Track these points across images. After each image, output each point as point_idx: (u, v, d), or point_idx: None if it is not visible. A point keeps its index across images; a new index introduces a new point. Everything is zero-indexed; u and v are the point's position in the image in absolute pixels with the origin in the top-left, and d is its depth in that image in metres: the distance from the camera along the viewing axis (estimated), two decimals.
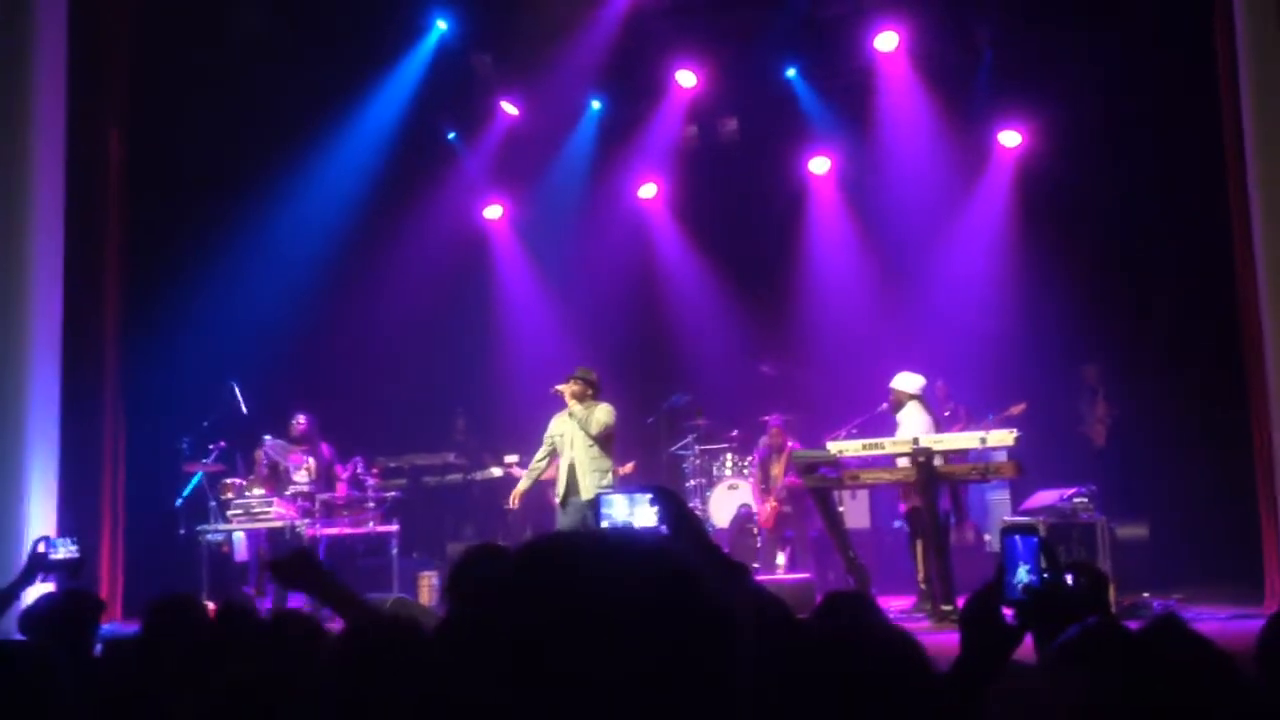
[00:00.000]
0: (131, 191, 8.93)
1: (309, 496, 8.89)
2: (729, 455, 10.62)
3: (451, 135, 11.81)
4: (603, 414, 7.93)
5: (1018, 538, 1.82)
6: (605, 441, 7.93)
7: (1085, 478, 8.45)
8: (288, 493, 8.88)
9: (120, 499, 8.67)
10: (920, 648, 1.59)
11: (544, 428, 10.32)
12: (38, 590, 4.59)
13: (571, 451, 7.93)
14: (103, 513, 8.45)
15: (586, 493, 7.78)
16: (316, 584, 2.71)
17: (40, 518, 7.45)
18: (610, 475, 7.98)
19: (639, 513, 4.97)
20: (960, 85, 10.75)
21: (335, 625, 2.72)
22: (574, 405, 7.94)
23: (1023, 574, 1.77)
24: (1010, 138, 10.84)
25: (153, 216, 9.23)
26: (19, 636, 3.37)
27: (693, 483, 10.67)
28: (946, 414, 9.19)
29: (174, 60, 9.33)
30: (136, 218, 8.99)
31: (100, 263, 8.60)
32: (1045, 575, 1.75)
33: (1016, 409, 9.10)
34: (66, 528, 7.32)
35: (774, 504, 9.40)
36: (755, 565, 9.44)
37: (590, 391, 8.00)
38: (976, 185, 10.95)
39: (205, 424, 9.02)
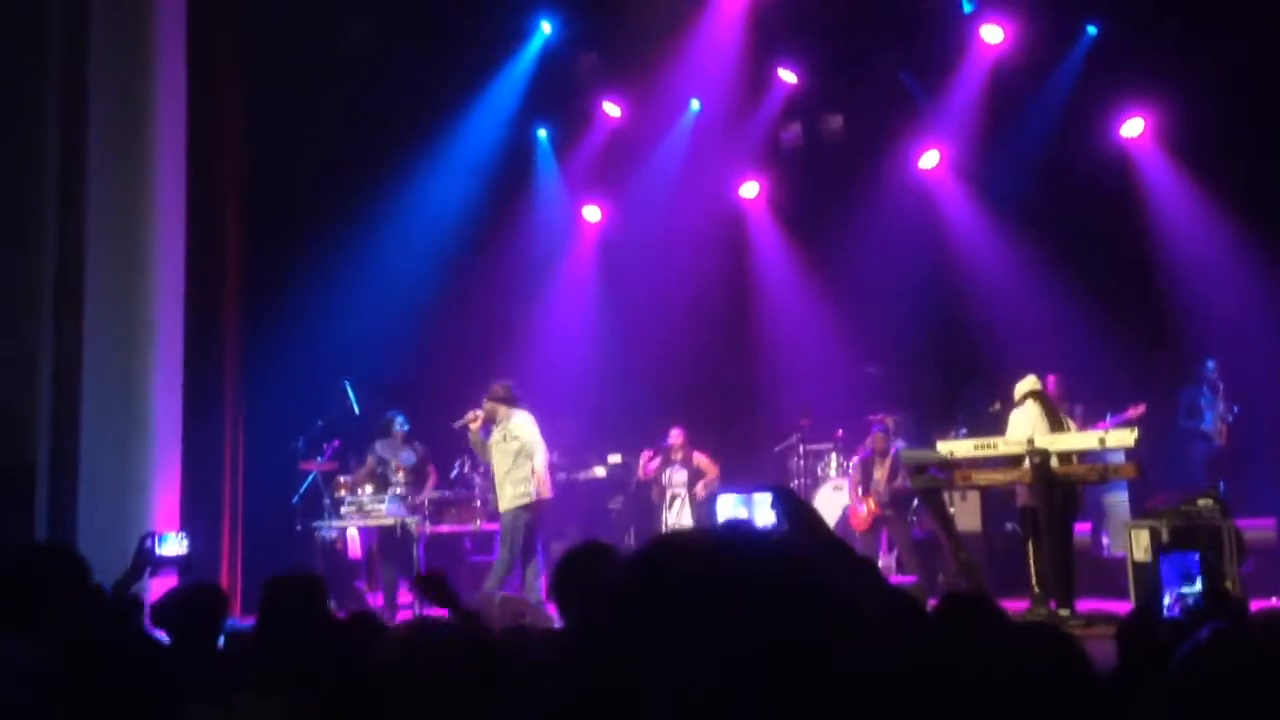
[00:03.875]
0: (249, 198, 9.21)
1: (410, 494, 9.06)
2: (834, 456, 10.49)
3: (542, 133, 11.89)
4: (517, 428, 7.98)
5: (1175, 556, 1.77)
6: (521, 453, 7.94)
7: (1206, 478, 8.14)
8: (396, 492, 9.04)
9: (239, 496, 8.94)
10: (1073, 647, 1.54)
11: (646, 427, 10.35)
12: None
13: (494, 463, 8.06)
14: (223, 509, 8.73)
15: (502, 504, 7.90)
16: (447, 602, 2.90)
17: (164, 515, 7.74)
18: (526, 485, 7.90)
19: (757, 513, 4.93)
20: (1069, 75, 10.46)
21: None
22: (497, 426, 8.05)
23: (1186, 590, 1.71)
24: (1133, 126, 10.52)
25: (269, 222, 9.50)
26: (152, 630, 3.49)
27: (796, 483, 10.57)
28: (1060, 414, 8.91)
29: (285, 70, 9.58)
30: (254, 223, 9.27)
31: (220, 267, 8.88)
32: (1206, 595, 1.70)
33: (1135, 410, 8.79)
34: (187, 524, 7.58)
35: (873, 507, 9.22)
36: None
37: (502, 406, 8.06)
38: (1091, 173, 10.60)
39: (320, 423, 9.25)
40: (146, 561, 4.49)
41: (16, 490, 7.21)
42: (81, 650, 2.57)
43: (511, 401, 8.11)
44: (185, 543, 4.85)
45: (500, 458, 7.97)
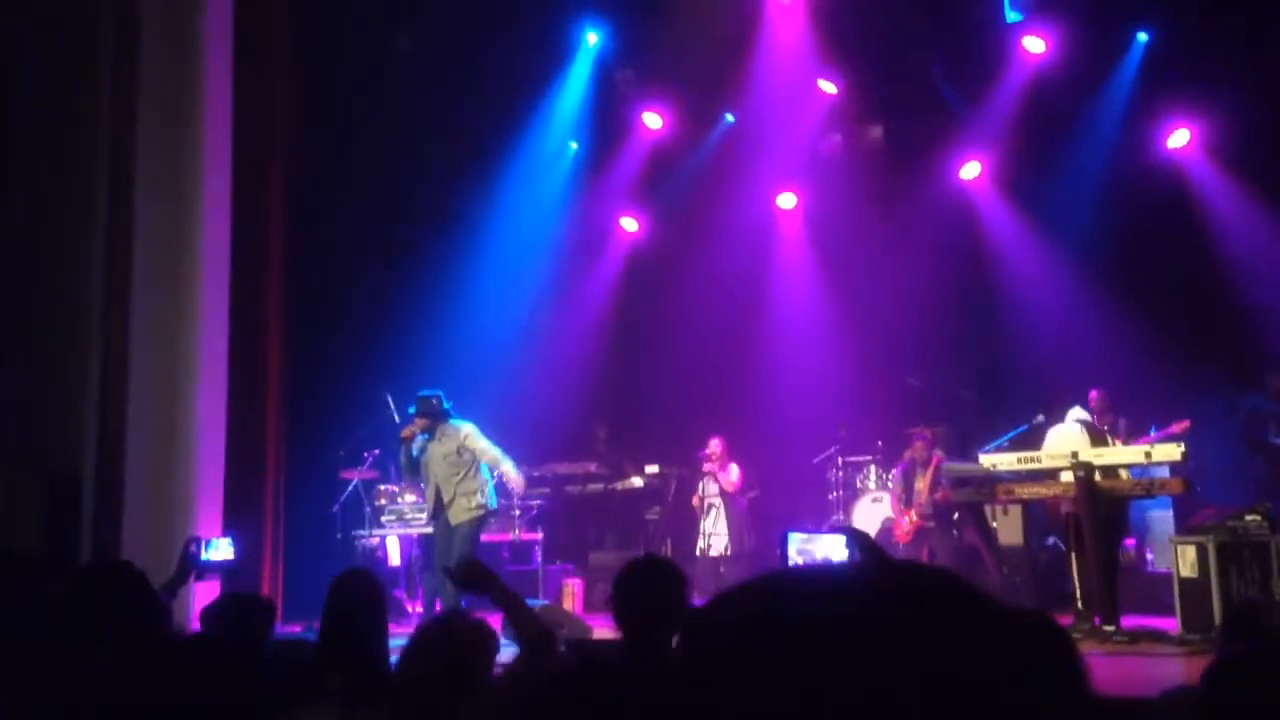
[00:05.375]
0: (294, 210, 9.31)
1: None
2: (872, 468, 10.43)
3: (573, 145, 11.96)
4: (470, 439, 7.77)
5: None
6: (474, 464, 7.75)
7: (1255, 494, 7.98)
8: None
9: (281, 504, 9.03)
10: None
11: (684, 439, 10.31)
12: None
13: (436, 476, 7.76)
14: (265, 517, 8.82)
15: (456, 516, 7.64)
16: (491, 588, 2.88)
17: (207, 522, 7.83)
18: (481, 495, 7.75)
19: (828, 550, 4.89)
20: (1117, 83, 10.37)
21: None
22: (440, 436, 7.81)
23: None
24: (1179, 137, 10.40)
25: (314, 234, 9.62)
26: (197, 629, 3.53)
27: (834, 495, 10.52)
28: (1105, 428, 8.79)
29: (330, 82, 9.70)
30: (298, 235, 9.38)
31: (264, 278, 8.98)
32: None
33: (1179, 426, 8.64)
34: (231, 531, 7.67)
35: (915, 518, 9.15)
36: None
37: (439, 419, 7.81)
38: (1137, 183, 10.47)
39: (361, 433, 9.33)
40: (191, 566, 4.54)
41: (64, 497, 7.33)
42: (153, 662, 2.61)
43: (447, 414, 7.86)
44: (232, 549, 4.90)
45: (447, 470, 7.69)
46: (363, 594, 3.29)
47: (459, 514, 7.64)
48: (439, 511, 7.76)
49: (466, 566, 3.14)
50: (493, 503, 7.86)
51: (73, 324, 7.69)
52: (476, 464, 7.77)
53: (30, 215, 7.57)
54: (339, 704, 2.65)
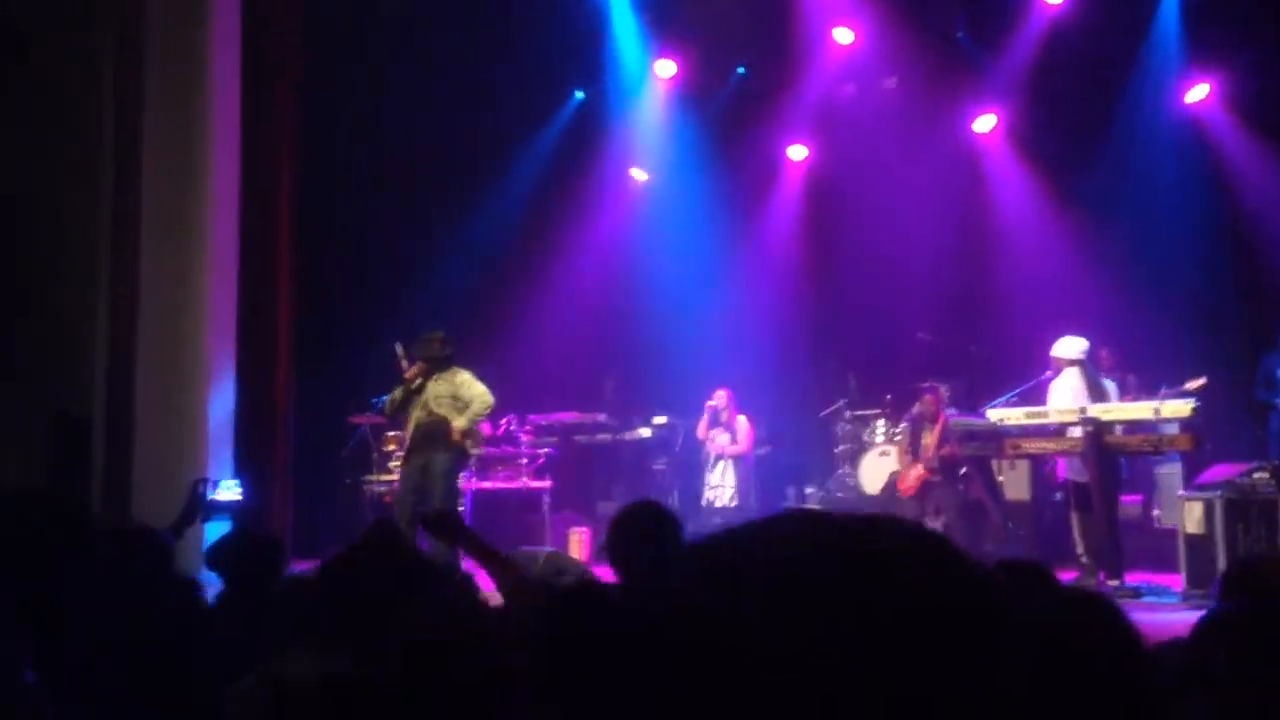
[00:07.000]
0: (305, 153, 9.25)
1: None
2: (881, 421, 10.42)
3: (579, 95, 11.84)
4: (466, 385, 7.74)
5: None
6: (470, 409, 7.71)
7: (1265, 454, 7.96)
8: None
9: (290, 448, 9.07)
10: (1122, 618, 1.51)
11: (692, 390, 10.31)
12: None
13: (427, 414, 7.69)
14: (274, 461, 8.86)
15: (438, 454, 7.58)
16: (462, 539, 2.87)
17: (217, 464, 7.87)
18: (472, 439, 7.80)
19: None
20: (1140, 39, 10.20)
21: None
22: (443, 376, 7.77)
23: None
24: (1197, 91, 10.24)
25: (325, 177, 9.57)
26: (207, 571, 3.55)
27: (842, 448, 10.53)
28: (1114, 384, 8.75)
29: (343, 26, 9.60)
30: (311, 177, 9.33)
31: (274, 220, 8.95)
32: None
33: (1195, 384, 8.57)
34: (240, 475, 7.71)
35: (922, 472, 9.15)
36: None
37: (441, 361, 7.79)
38: (1161, 139, 10.33)
39: (368, 379, 9.34)
40: (199, 507, 4.56)
41: (74, 439, 7.38)
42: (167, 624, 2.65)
43: (449, 360, 7.84)
44: (239, 489, 4.92)
45: (446, 413, 7.67)
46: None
47: (441, 451, 7.59)
48: (416, 449, 7.71)
49: (436, 515, 3.13)
50: (475, 449, 7.85)
51: (82, 267, 7.70)
52: (476, 409, 7.79)
53: (40, 150, 7.55)
54: None
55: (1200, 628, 1.71)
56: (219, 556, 3.50)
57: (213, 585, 3.52)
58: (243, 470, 7.94)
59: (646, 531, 3.13)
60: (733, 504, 9.72)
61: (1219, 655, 1.64)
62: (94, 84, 7.61)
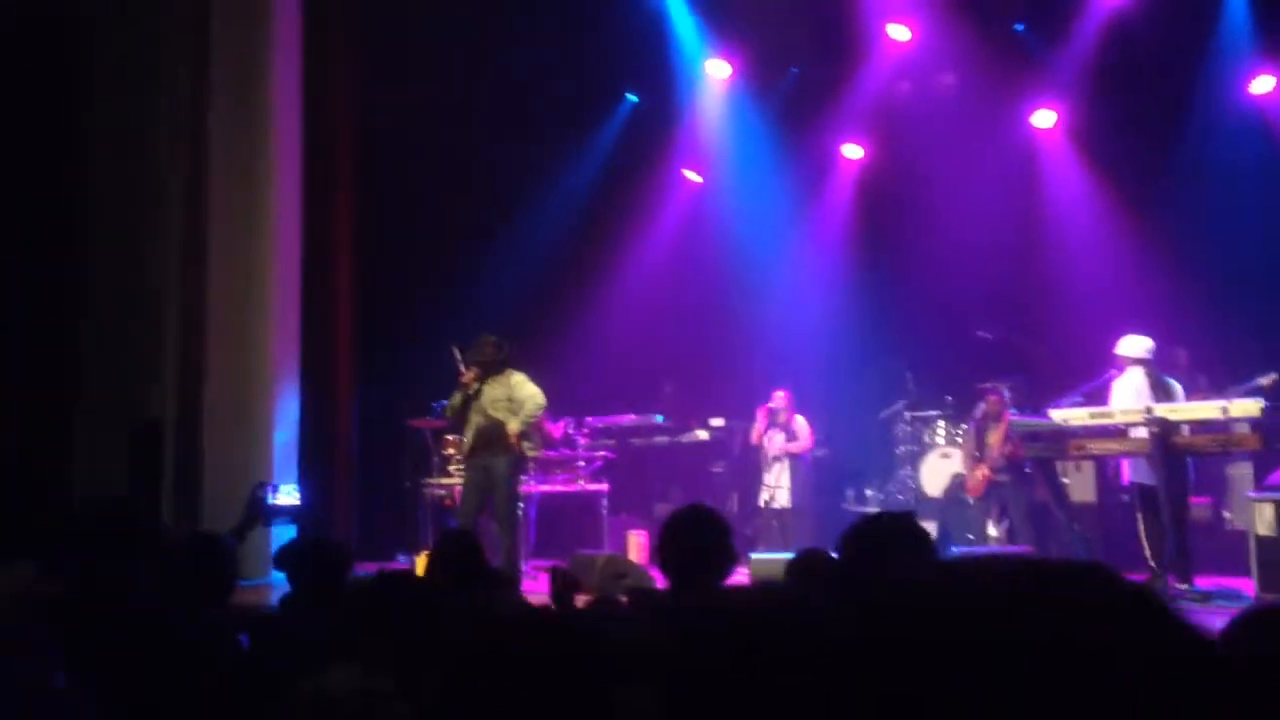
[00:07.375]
0: (361, 167, 9.40)
1: None
2: (942, 422, 10.31)
3: (633, 98, 11.85)
4: (519, 386, 7.76)
5: None
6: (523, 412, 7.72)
7: None
8: None
9: (352, 452, 9.21)
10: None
11: (748, 394, 10.29)
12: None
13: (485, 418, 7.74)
14: (338, 464, 9.01)
15: (497, 457, 7.64)
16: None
17: (285, 470, 8.03)
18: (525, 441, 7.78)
19: None
20: (1207, 28, 9.98)
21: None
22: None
23: None
24: (1262, 82, 9.99)
25: (389, 179, 9.70)
26: (276, 572, 3.63)
27: (902, 449, 10.43)
28: (1180, 385, 8.55)
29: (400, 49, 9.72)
30: (374, 182, 9.48)
31: (334, 228, 9.10)
32: None
33: (1266, 380, 8.34)
34: (304, 479, 7.85)
35: (986, 472, 9.03)
36: (970, 536, 9.16)
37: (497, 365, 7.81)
38: (1229, 132, 10.07)
39: (427, 383, 9.44)
40: (259, 511, 4.65)
41: (149, 451, 7.58)
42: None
43: (503, 363, 7.86)
44: (297, 494, 5.00)
45: (502, 416, 7.71)
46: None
47: (501, 455, 7.66)
48: (477, 453, 7.78)
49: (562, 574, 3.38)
50: (533, 450, 7.93)
51: (154, 287, 7.90)
52: (528, 411, 7.83)
53: (109, 168, 7.76)
54: None
55: (1235, 620, 1.69)
56: (287, 559, 3.57)
57: (280, 586, 3.60)
58: (307, 475, 8.09)
59: (697, 535, 3.18)
60: (790, 506, 9.68)
61: (1248, 650, 1.61)
62: (165, 112, 7.81)
